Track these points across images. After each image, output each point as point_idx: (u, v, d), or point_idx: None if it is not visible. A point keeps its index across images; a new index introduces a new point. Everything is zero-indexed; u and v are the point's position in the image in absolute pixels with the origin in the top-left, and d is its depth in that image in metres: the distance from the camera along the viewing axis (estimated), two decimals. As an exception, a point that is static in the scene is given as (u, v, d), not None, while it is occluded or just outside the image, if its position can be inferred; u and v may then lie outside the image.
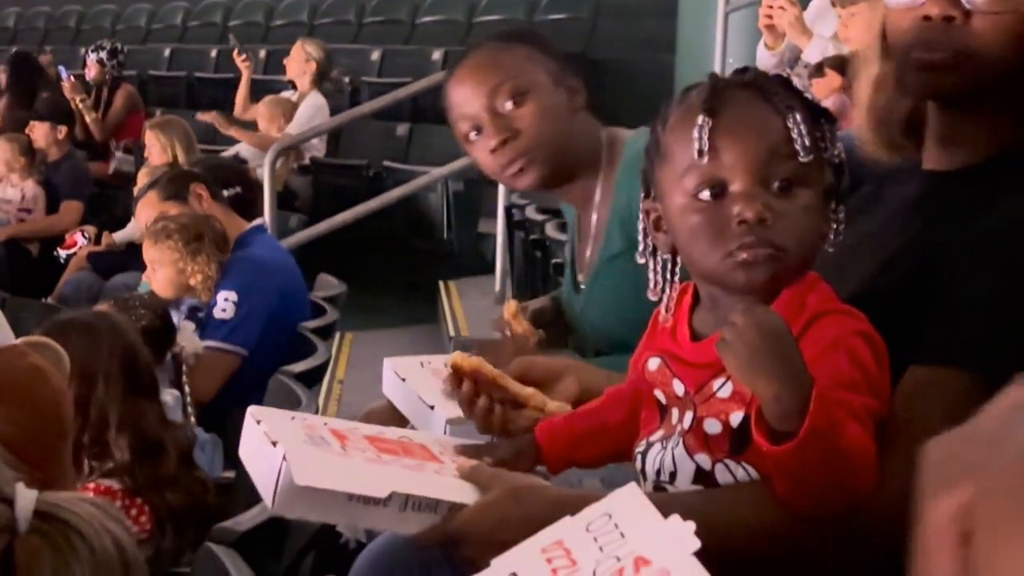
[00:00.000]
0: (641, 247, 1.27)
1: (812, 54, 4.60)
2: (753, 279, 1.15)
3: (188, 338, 2.86)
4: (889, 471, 1.07)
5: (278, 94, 6.92)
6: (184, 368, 2.80)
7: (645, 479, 1.24)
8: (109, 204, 6.23)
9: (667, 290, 1.26)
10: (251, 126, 6.70)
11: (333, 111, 6.35)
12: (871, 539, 1.09)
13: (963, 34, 1.21)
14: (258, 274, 3.07)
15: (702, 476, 1.18)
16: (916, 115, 1.35)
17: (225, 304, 2.99)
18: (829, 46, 4.66)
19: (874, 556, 1.08)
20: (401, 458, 1.30)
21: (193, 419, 2.72)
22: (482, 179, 5.26)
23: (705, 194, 1.17)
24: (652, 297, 1.27)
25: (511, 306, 1.82)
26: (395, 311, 5.63)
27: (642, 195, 1.28)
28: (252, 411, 1.32)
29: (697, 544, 0.81)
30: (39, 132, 6.22)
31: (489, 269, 5.44)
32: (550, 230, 4.07)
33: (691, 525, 0.82)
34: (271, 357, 2.85)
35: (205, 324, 2.99)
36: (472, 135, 1.79)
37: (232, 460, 2.39)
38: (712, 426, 1.17)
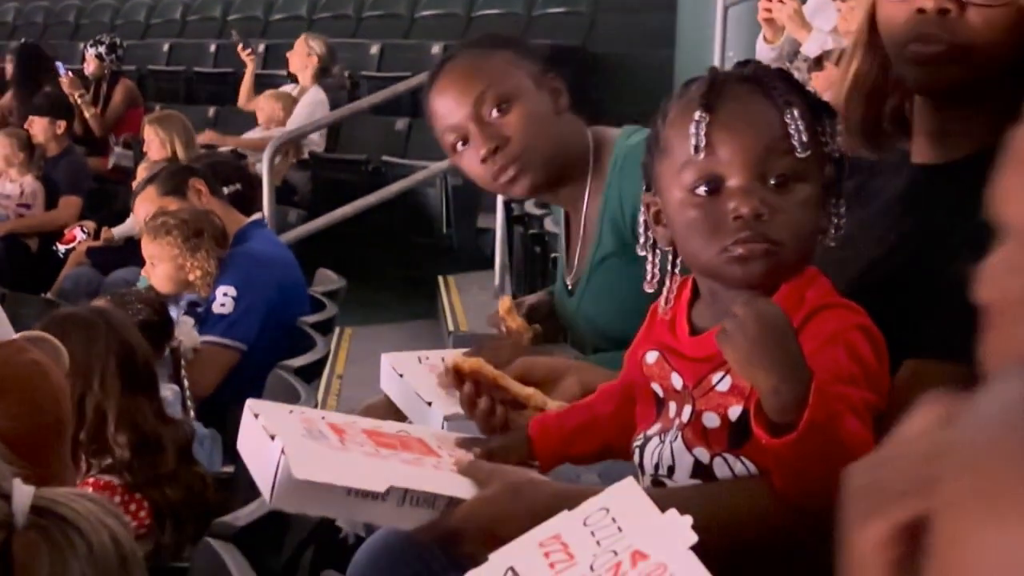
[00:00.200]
0: (642, 240, 1.27)
1: (811, 48, 4.60)
2: (749, 274, 1.15)
3: (186, 332, 2.86)
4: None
5: (277, 88, 6.92)
6: (183, 362, 2.80)
7: (643, 473, 1.24)
8: (108, 199, 6.23)
9: (667, 282, 1.27)
10: (252, 118, 6.71)
11: (332, 106, 6.35)
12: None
13: (958, 27, 1.21)
14: (257, 269, 3.07)
15: (700, 470, 1.18)
16: (902, 109, 1.34)
17: (224, 299, 2.99)
18: (828, 40, 4.66)
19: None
20: (399, 452, 1.30)
21: (192, 414, 2.72)
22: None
23: (702, 189, 1.17)
24: (648, 290, 1.26)
25: (505, 302, 1.81)
26: (394, 306, 5.63)
27: (643, 188, 1.28)
28: (250, 405, 1.32)
29: (694, 538, 0.81)
30: (38, 127, 6.21)
31: (488, 264, 5.44)
32: (549, 225, 4.07)
33: (688, 519, 0.82)
34: (270, 352, 2.85)
35: (204, 319, 2.99)
36: (459, 146, 1.75)
37: (231, 455, 2.40)
38: (711, 420, 1.17)
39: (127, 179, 5.77)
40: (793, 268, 1.17)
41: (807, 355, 1.06)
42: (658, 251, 1.27)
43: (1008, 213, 0.37)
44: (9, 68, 7.91)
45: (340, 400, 4.26)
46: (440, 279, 5.57)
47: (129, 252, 4.49)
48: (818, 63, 4.31)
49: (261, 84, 7.22)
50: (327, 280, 3.66)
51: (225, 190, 3.39)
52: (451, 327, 4.84)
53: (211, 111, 8.00)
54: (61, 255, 5.50)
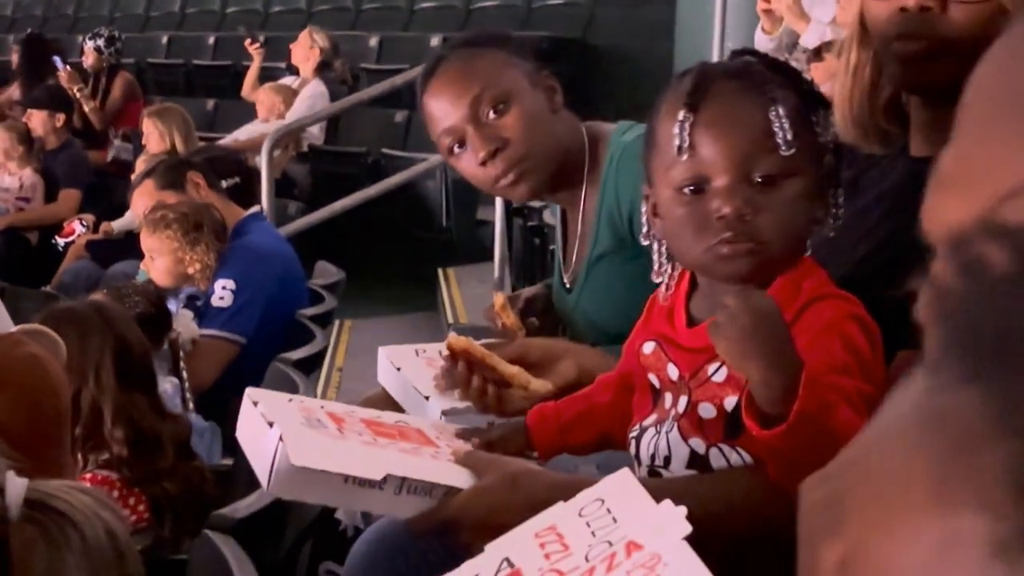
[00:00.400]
0: (645, 230, 1.27)
1: (810, 39, 4.60)
2: (734, 272, 1.16)
3: (184, 324, 2.86)
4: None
5: (276, 80, 6.92)
6: (181, 354, 2.80)
7: (639, 464, 1.24)
8: (107, 192, 6.22)
9: (670, 270, 1.27)
10: (251, 111, 6.72)
11: (332, 98, 6.35)
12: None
13: (941, 24, 1.21)
14: (256, 262, 3.07)
15: (696, 460, 1.18)
16: (898, 101, 1.34)
17: (223, 292, 2.99)
18: (827, 31, 4.65)
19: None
20: (397, 442, 1.31)
21: (192, 407, 2.72)
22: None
23: (688, 188, 1.18)
24: (656, 279, 1.27)
25: (499, 299, 1.80)
26: (394, 298, 5.63)
27: (644, 181, 1.28)
28: (249, 393, 1.32)
29: (688, 529, 0.81)
30: (37, 120, 6.21)
31: (488, 256, 5.44)
32: (548, 217, 4.07)
33: (682, 510, 0.83)
34: (269, 345, 2.85)
35: (203, 312, 2.99)
36: (456, 148, 1.72)
37: (231, 447, 2.40)
38: (706, 410, 1.18)
39: (126, 172, 5.78)
40: (782, 263, 1.18)
41: (802, 345, 1.07)
42: (663, 242, 1.28)
43: (935, 238, 0.38)
44: (15, 59, 7.93)
45: (340, 393, 4.27)
46: (440, 271, 5.57)
47: (129, 245, 4.49)
48: (817, 54, 4.31)
49: (260, 76, 7.22)
50: (326, 273, 3.66)
51: (223, 183, 3.39)
52: (451, 319, 4.84)
53: (210, 104, 8.01)
54: (60, 248, 5.50)
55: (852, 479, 0.38)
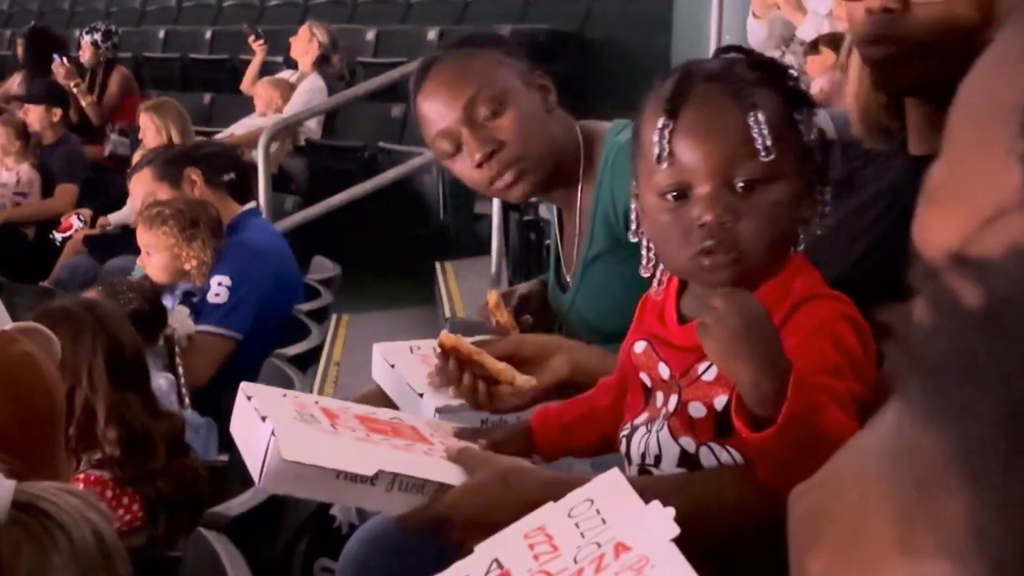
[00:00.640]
0: (634, 226, 1.27)
1: (807, 31, 4.60)
2: (717, 282, 1.16)
3: (180, 320, 2.86)
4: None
5: (273, 74, 6.92)
6: (177, 350, 2.80)
7: (630, 463, 1.24)
8: (104, 187, 6.22)
9: (660, 264, 1.27)
10: (249, 104, 6.72)
11: (330, 93, 6.34)
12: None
13: (905, 25, 1.21)
14: (252, 259, 3.07)
15: (687, 459, 1.18)
16: (899, 100, 1.34)
17: (219, 289, 2.99)
18: (824, 23, 4.65)
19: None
20: (391, 438, 1.31)
21: (188, 403, 2.72)
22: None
23: (671, 195, 1.17)
24: (644, 274, 1.27)
25: (493, 296, 1.80)
26: (391, 293, 5.63)
27: (633, 179, 1.28)
28: (244, 387, 1.32)
29: (676, 530, 0.81)
30: (34, 115, 6.20)
31: (485, 250, 5.44)
32: (544, 212, 4.07)
33: (671, 511, 0.82)
34: (265, 341, 2.85)
35: (199, 309, 2.99)
36: (452, 151, 1.71)
37: (227, 444, 2.40)
38: (697, 409, 1.17)
39: (123, 167, 5.76)
40: (766, 268, 1.18)
41: (793, 345, 1.07)
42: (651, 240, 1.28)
43: (925, 250, 0.38)
44: (20, 52, 7.93)
45: (337, 387, 4.27)
46: (437, 265, 5.57)
47: (126, 240, 4.49)
48: (814, 47, 4.31)
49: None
50: (322, 268, 3.66)
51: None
52: (448, 313, 4.84)
53: (207, 98, 8.00)
54: (58, 243, 5.50)
55: (832, 501, 0.38)
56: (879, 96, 1.35)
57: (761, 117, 1.14)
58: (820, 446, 1.05)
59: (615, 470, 0.97)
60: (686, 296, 1.25)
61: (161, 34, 9.80)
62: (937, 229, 0.38)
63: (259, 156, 4.94)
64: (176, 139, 5.12)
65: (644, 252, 1.27)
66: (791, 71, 1.22)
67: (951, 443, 0.32)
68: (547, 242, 3.77)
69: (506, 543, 0.93)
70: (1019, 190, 0.33)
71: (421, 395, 1.53)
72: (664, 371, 1.22)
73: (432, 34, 7.74)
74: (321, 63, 6.62)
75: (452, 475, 1.23)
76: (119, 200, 5.42)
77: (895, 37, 1.21)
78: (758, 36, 4.32)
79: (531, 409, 1.48)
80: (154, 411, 2.12)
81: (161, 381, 2.63)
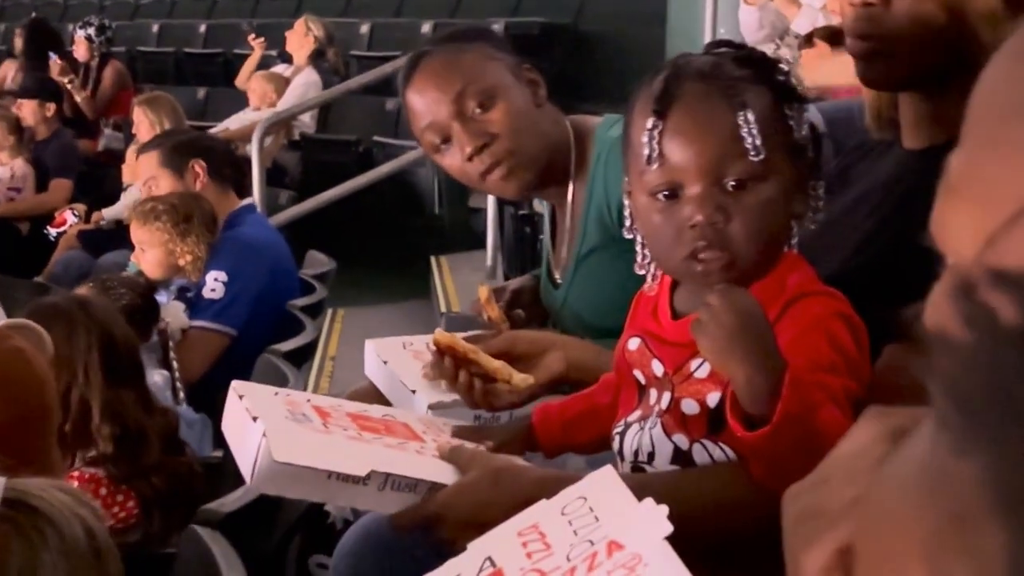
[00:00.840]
0: (628, 223, 1.27)
1: (802, 24, 4.59)
2: (710, 284, 1.15)
3: (174, 314, 2.86)
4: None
5: (268, 69, 6.91)
6: (171, 345, 2.79)
7: (623, 460, 1.24)
8: (99, 182, 6.21)
9: (652, 264, 1.27)
10: (243, 99, 6.71)
11: (324, 87, 6.33)
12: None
13: (885, 19, 1.21)
14: (248, 255, 3.06)
15: (680, 456, 1.18)
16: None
17: (215, 284, 2.98)
18: (819, 17, 4.65)
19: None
20: (383, 437, 1.30)
21: (183, 399, 2.72)
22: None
23: (662, 195, 1.17)
24: (639, 271, 1.26)
25: (483, 292, 1.79)
26: (387, 287, 5.63)
27: (625, 176, 1.28)
28: (235, 386, 1.32)
29: (669, 528, 0.81)
30: (27, 110, 6.19)
31: (480, 244, 5.44)
32: (539, 205, 4.06)
33: (664, 509, 0.82)
34: (261, 337, 2.85)
35: (194, 304, 2.98)
36: (441, 145, 1.71)
37: (221, 440, 2.39)
38: (689, 406, 1.17)
39: (117, 162, 5.76)
40: (760, 267, 1.17)
41: (787, 342, 1.06)
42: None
43: (944, 244, 0.37)
44: (18, 44, 7.92)
45: (333, 381, 4.27)
46: (432, 259, 5.57)
47: (120, 235, 4.48)
48: (808, 40, 4.31)
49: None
50: (317, 262, 3.66)
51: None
52: (443, 307, 4.84)
53: (201, 92, 7.99)
54: (52, 238, 5.49)
55: (864, 526, 0.37)
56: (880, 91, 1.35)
57: (750, 116, 1.13)
58: (815, 444, 1.04)
59: (608, 467, 0.97)
60: (679, 292, 1.25)
61: (155, 28, 9.78)
62: (956, 224, 0.37)
63: (253, 150, 4.93)
64: (170, 134, 5.11)
65: (639, 249, 1.26)
66: (781, 65, 1.21)
67: (987, 473, 0.31)
68: (541, 236, 3.77)
69: (499, 541, 0.92)
70: None
71: (414, 391, 1.53)
72: (657, 368, 1.22)
73: (426, 27, 7.73)
74: (316, 57, 6.62)
75: (444, 474, 1.23)
76: (113, 195, 5.41)
77: (876, 31, 1.22)
78: (749, 23, 4.31)
79: (527, 407, 1.48)
80: (148, 407, 2.12)
81: (156, 377, 2.63)
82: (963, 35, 1.18)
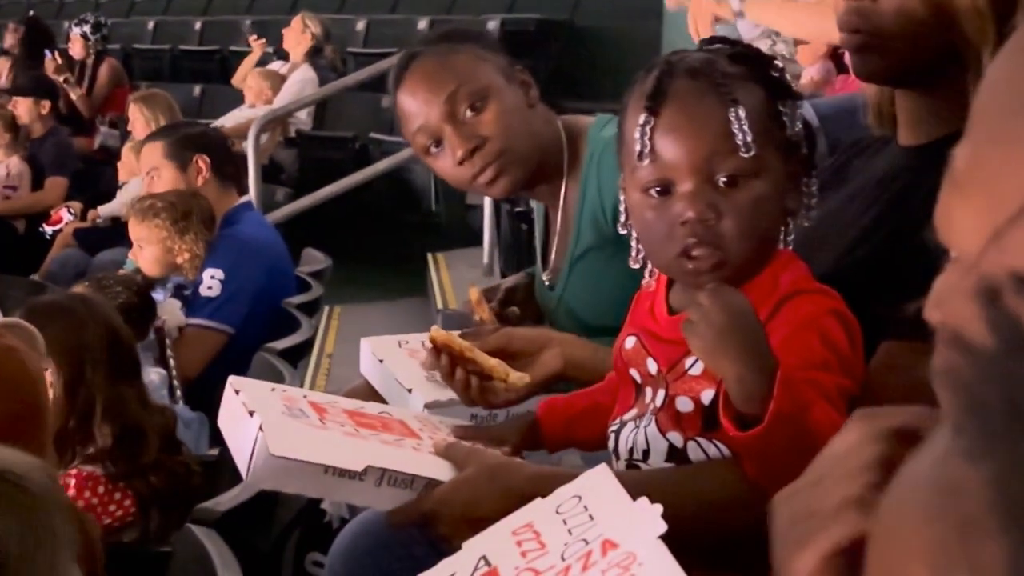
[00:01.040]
0: (623, 218, 1.27)
1: (798, 21, 4.57)
2: (701, 284, 1.15)
3: (171, 311, 2.86)
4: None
5: (265, 66, 6.90)
6: (168, 342, 2.79)
7: (618, 458, 1.24)
8: (95, 179, 6.21)
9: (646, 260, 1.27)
10: (238, 96, 6.70)
11: (321, 84, 6.33)
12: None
13: (873, 15, 1.23)
14: (245, 253, 3.06)
15: (674, 454, 1.18)
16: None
17: (211, 282, 2.98)
18: (815, 12, 4.63)
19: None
20: (380, 433, 1.31)
21: (180, 397, 2.72)
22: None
23: (654, 191, 1.17)
24: (634, 266, 1.26)
25: (474, 293, 1.79)
26: (383, 284, 5.62)
27: (620, 172, 1.28)
28: (232, 381, 1.32)
29: (664, 527, 0.81)
30: (22, 108, 6.18)
31: (477, 241, 5.43)
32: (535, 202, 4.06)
33: (658, 508, 0.82)
34: (258, 335, 2.85)
35: (191, 302, 2.98)
36: (432, 148, 1.70)
37: (217, 438, 2.39)
38: (684, 404, 1.17)
39: (113, 159, 5.76)
40: (751, 265, 1.17)
41: (780, 340, 1.06)
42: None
43: (949, 237, 0.37)
44: (8, 40, 7.91)
45: (329, 379, 4.26)
46: (429, 256, 5.56)
47: (116, 233, 4.48)
48: (804, 36, 4.30)
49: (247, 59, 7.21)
50: (313, 260, 3.65)
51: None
52: (440, 304, 4.83)
53: (196, 89, 7.98)
54: (48, 236, 5.48)
55: (876, 529, 0.37)
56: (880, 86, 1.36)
57: (742, 113, 1.14)
58: (808, 443, 1.04)
59: (603, 466, 0.97)
60: (675, 289, 1.25)
61: (150, 25, 9.76)
62: (960, 219, 0.37)
63: (249, 147, 4.93)
64: (166, 132, 5.11)
65: (633, 244, 1.27)
66: (775, 62, 1.22)
67: (996, 483, 0.30)
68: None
69: (494, 540, 0.92)
70: None
71: (410, 390, 1.52)
72: (652, 366, 1.22)
73: (423, 23, 7.72)
74: (314, 54, 6.61)
75: (440, 470, 1.23)
76: (109, 193, 5.41)
77: (865, 26, 1.24)
78: (746, 22, 4.29)
79: (524, 404, 1.48)
80: (146, 405, 2.12)
81: (153, 375, 2.63)
82: (950, 31, 1.19)
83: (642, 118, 1.15)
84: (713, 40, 1.24)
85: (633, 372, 1.25)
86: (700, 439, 1.16)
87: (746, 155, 1.13)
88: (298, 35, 6.67)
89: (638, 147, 1.15)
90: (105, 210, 5.28)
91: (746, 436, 1.03)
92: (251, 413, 1.20)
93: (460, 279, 5.14)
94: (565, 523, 0.90)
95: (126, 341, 2.14)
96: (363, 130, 6.46)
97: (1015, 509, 0.30)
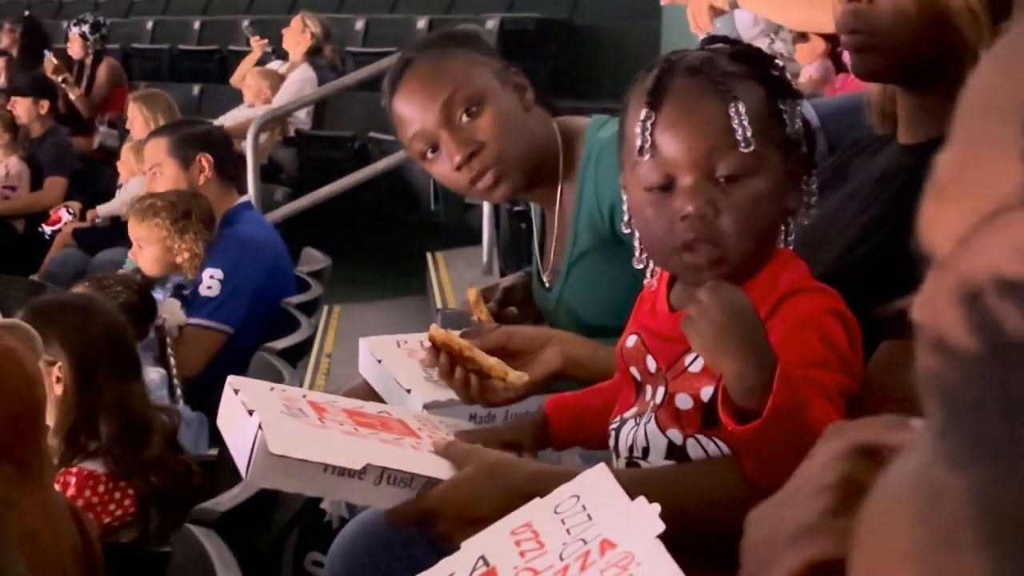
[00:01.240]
0: (626, 218, 1.27)
1: (796, 19, 4.57)
2: (699, 281, 1.16)
3: (171, 311, 2.86)
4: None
5: (264, 65, 6.90)
6: (168, 341, 2.79)
7: (618, 456, 1.24)
8: (94, 179, 6.20)
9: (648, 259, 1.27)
10: (238, 96, 6.70)
11: (320, 83, 6.32)
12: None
13: (869, 15, 1.25)
14: (244, 252, 3.06)
15: (674, 451, 1.18)
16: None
17: (211, 282, 2.98)
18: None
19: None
20: (379, 432, 1.31)
21: (180, 397, 2.72)
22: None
23: (656, 187, 1.18)
24: (637, 266, 1.27)
25: (472, 293, 1.79)
26: (383, 283, 5.62)
27: (621, 172, 1.28)
28: (231, 381, 1.32)
29: (661, 527, 0.81)
30: (21, 108, 6.18)
31: (476, 240, 5.43)
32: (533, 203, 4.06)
33: (656, 507, 0.82)
34: (257, 335, 2.85)
35: (191, 302, 2.98)
36: (429, 153, 1.69)
37: (217, 438, 2.39)
38: (683, 401, 1.17)
39: (112, 159, 5.75)
40: (750, 262, 1.17)
41: (779, 339, 1.07)
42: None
43: (932, 243, 0.37)
44: (5, 40, 7.91)
45: (329, 378, 4.26)
46: (428, 256, 5.56)
47: (116, 233, 4.48)
48: (802, 35, 4.30)
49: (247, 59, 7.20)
50: (312, 259, 3.65)
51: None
52: (439, 304, 4.83)
53: (196, 89, 7.98)
54: (47, 237, 5.48)
55: (857, 532, 0.37)
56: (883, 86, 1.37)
57: (742, 108, 1.14)
58: (806, 440, 1.04)
59: (602, 465, 0.97)
60: (676, 287, 1.26)
61: (149, 25, 9.76)
62: (941, 223, 0.37)
63: (248, 147, 4.93)
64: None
65: (636, 244, 1.27)
66: (776, 61, 1.22)
67: (978, 490, 0.30)
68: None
69: (492, 540, 0.92)
70: (1018, 191, 0.32)
71: (408, 391, 1.52)
72: (651, 364, 1.22)
73: (422, 23, 7.72)
74: (313, 54, 6.61)
75: (440, 469, 1.23)
76: (108, 192, 5.40)
77: (862, 26, 1.25)
78: (744, 19, 4.30)
79: (523, 403, 1.48)
80: (149, 401, 2.14)
81: (153, 375, 2.63)
82: (946, 31, 1.20)
83: (643, 114, 1.15)
84: (713, 39, 1.24)
85: (633, 370, 1.25)
86: (699, 436, 1.17)
87: (746, 150, 1.14)
88: (298, 34, 6.67)
89: (639, 142, 1.16)
90: (104, 210, 5.28)
91: (744, 430, 1.04)
92: (250, 412, 1.20)
93: (459, 278, 5.14)
94: (563, 523, 0.90)
95: (129, 340, 2.15)
96: (362, 129, 6.46)
97: (997, 520, 0.30)
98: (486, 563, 0.90)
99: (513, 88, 1.73)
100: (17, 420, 1.34)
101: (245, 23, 8.32)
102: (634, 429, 1.22)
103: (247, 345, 2.78)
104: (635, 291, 1.32)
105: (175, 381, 2.75)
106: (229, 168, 3.25)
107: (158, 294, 2.93)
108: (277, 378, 2.22)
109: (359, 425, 1.31)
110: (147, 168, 3.27)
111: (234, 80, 7.19)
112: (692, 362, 1.17)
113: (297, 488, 1.26)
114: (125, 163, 4.95)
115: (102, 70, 7.45)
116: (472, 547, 0.92)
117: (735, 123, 1.14)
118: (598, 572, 0.82)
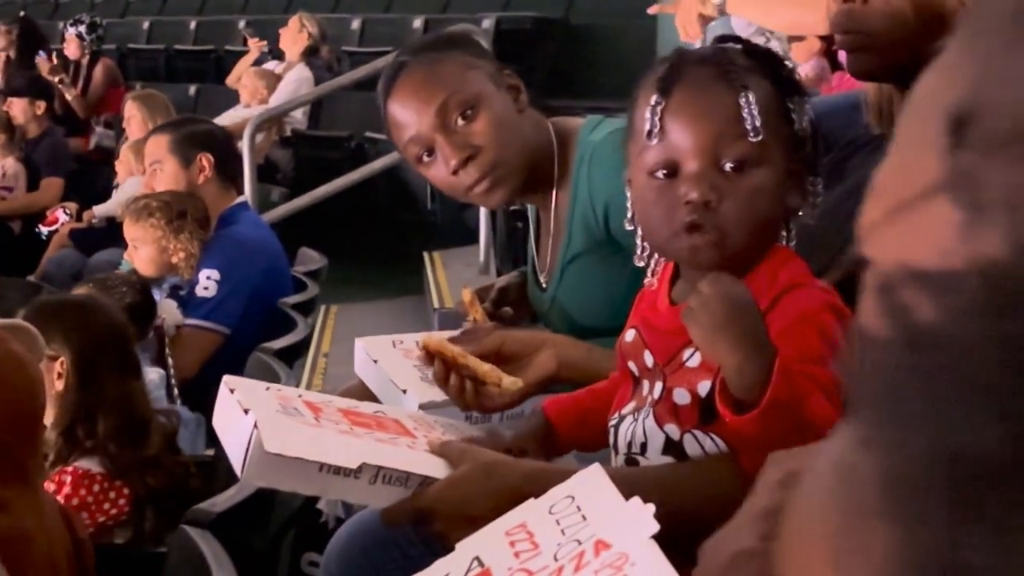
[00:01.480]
0: (629, 214, 1.27)
1: (792, 18, 4.57)
2: (698, 264, 1.16)
3: (168, 310, 2.86)
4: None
5: (260, 65, 6.90)
6: (166, 341, 2.79)
7: (616, 452, 1.24)
8: (90, 180, 6.20)
9: (655, 255, 1.27)
10: (234, 96, 6.70)
11: (318, 84, 6.32)
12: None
13: (863, 16, 1.26)
14: (241, 253, 3.05)
15: (671, 447, 1.18)
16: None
17: (207, 282, 2.98)
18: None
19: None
20: (374, 431, 1.30)
21: (178, 397, 2.72)
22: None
23: (660, 173, 1.18)
24: (638, 263, 1.27)
25: (466, 294, 1.78)
26: (380, 283, 5.62)
27: (626, 167, 1.28)
28: (227, 380, 1.32)
29: (656, 527, 0.81)
30: (17, 108, 6.18)
31: (473, 240, 5.43)
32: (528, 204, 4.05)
33: (650, 507, 0.82)
34: (254, 335, 2.84)
35: (187, 302, 2.98)
36: (425, 157, 1.69)
37: (214, 438, 2.39)
38: (681, 396, 1.17)
39: (109, 159, 5.75)
40: (750, 254, 1.17)
41: (777, 334, 1.07)
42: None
43: (869, 251, 0.37)
44: (1, 41, 7.91)
45: (326, 378, 4.26)
46: (425, 255, 5.56)
47: (112, 233, 4.48)
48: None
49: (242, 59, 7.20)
50: (309, 259, 3.65)
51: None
52: (436, 303, 4.83)
53: (192, 89, 7.97)
54: (44, 237, 5.48)
55: (785, 524, 0.37)
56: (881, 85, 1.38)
57: (752, 98, 1.15)
58: (802, 433, 1.04)
59: (596, 465, 0.97)
60: (678, 284, 1.26)
61: (145, 25, 9.76)
62: (872, 223, 0.38)
63: (244, 147, 4.92)
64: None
65: (638, 241, 1.27)
66: (786, 61, 1.23)
67: (884, 469, 0.31)
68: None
69: (487, 541, 0.92)
70: (930, 185, 0.33)
71: (404, 391, 1.52)
72: (649, 359, 1.22)
73: (417, 22, 7.72)
74: (310, 54, 6.61)
75: (436, 468, 1.23)
76: (105, 193, 5.40)
77: (856, 27, 1.27)
78: (739, 21, 4.30)
79: (522, 404, 1.48)
80: (148, 400, 2.15)
81: (152, 375, 2.63)
82: (940, 31, 1.20)
83: (653, 99, 1.16)
84: (724, 39, 1.25)
85: (631, 365, 1.25)
86: (697, 432, 1.16)
87: (754, 139, 1.15)
88: (295, 35, 6.66)
89: (648, 126, 1.16)
90: (101, 210, 5.27)
91: (741, 420, 1.04)
92: (246, 411, 1.20)
93: (456, 278, 5.14)
94: (558, 523, 0.89)
95: (130, 339, 2.16)
96: (359, 129, 6.45)
97: (901, 491, 0.31)
98: (481, 564, 0.89)
99: (507, 90, 1.72)
100: (17, 422, 1.34)
101: (242, 24, 8.33)
102: (632, 425, 1.22)
103: (244, 345, 2.77)
104: (630, 293, 1.32)
105: (173, 381, 2.75)
106: (230, 168, 3.24)
107: (155, 295, 2.93)
108: (274, 378, 2.21)
109: (355, 424, 1.31)
110: (147, 164, 3.27)
111: (230, 80, 7.19)
112: (689, 357, 1.17)
113: (292, 487, 1.26)
114: (124, 163, 4.94)
115: (98, 70, 7.44)
116: (467, 548, 0.92)
117: (745, 112, 1.14)
118: (592, 573, 0.82)
